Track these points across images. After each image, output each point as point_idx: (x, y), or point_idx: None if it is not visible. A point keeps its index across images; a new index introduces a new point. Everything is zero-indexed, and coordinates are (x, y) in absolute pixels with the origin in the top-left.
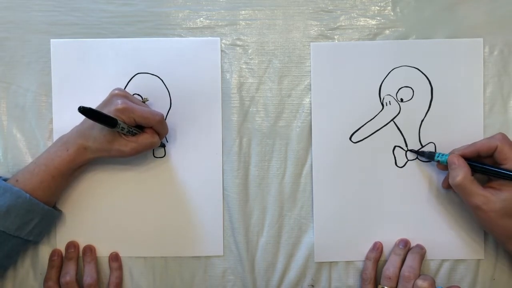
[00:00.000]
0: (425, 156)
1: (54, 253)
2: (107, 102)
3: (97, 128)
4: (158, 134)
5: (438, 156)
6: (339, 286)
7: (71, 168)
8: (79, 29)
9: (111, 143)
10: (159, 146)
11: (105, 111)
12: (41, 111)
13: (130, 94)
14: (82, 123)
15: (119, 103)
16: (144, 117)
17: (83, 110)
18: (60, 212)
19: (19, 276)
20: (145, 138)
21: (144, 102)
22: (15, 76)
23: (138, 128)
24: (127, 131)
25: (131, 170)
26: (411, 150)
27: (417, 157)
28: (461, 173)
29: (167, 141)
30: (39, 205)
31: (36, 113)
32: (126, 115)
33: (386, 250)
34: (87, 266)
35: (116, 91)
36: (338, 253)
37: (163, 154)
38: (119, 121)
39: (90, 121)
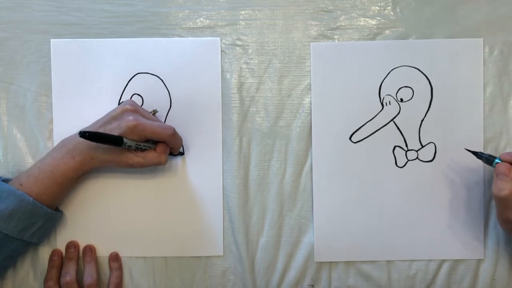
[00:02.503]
0: (483, 159)
1: (54, 253)
2: (118, 116)
3: None
4: (172, 147)
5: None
6: (339, 286)
7: (78, 174)
8: (79, 29)
9: (119, 155)
10: (178, 155)
11: (115, 125)
12: (41, 111)
13: (140, 107)
14: None
15: (130, 119)
16: (156, 132)
17: (83, 135)
18: (62, 213)
19: (19, 276)
20: (153, 157)
21: (154, 114)
22: (15, 76)
23: (149, 141)
24: (135, 148)
25: (131, 170)
26: (474, 152)
27: (416, 157)
28: (509, 186)
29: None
30: (42, 208)
31: (36, 113)
32: (137, 133)
33: (386, 251)
34: (87, 266)
35: (128, 106)
36: (338, 253)
37: None
38: (125, 140)
39: None
